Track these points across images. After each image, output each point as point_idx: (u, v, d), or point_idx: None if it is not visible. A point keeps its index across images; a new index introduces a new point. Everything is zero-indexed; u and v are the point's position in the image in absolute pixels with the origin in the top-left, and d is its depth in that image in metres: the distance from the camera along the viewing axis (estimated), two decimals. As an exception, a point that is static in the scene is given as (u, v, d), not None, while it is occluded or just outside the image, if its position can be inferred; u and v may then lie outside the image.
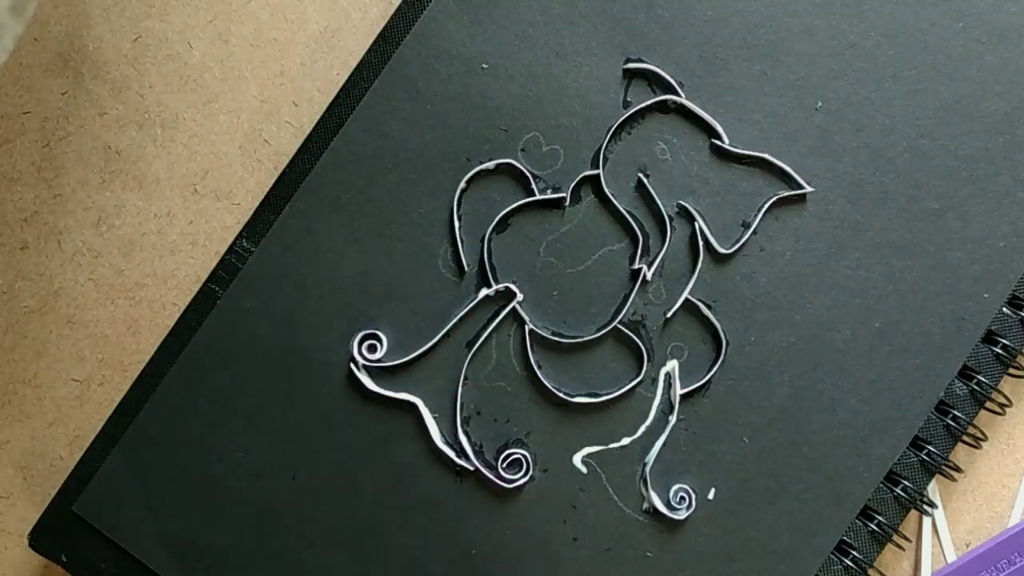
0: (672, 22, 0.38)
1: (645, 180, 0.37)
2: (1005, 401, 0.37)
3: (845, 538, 0.36)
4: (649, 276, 0.37)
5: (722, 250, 0.37)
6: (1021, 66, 0.37)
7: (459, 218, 0.37)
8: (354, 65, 0.38)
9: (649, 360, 0.37)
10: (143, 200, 0.39)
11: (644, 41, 0.38)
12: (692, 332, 0.37)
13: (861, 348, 0.37)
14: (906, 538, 0.37)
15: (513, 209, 0.37)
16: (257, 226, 0.38)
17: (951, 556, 0.38)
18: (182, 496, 0.36)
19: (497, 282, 0.37)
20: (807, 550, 0.36)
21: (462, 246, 0.37)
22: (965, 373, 0.37)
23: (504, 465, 0.36)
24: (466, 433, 0.36)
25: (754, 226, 0.37)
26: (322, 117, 0.38)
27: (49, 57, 0.39)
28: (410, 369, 0.37)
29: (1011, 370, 0.37)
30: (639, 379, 0.37)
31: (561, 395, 0.36)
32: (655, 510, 0.36)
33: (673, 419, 0.36)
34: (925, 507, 0.37)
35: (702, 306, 0.37)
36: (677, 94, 0.37)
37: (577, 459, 0.36)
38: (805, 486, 0.36)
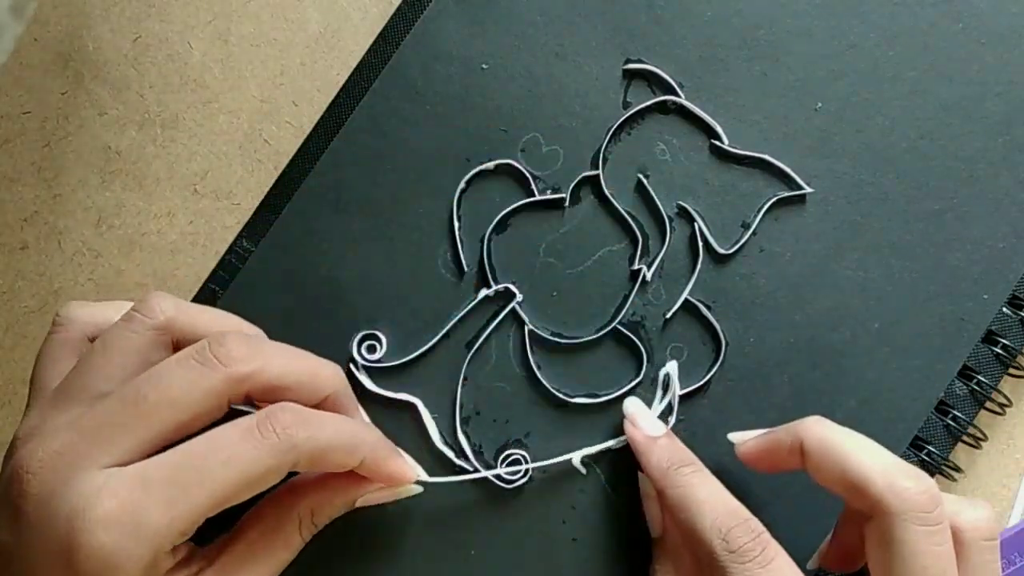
0: (672, 22, 0.38)
1: (645, 181, 0.37)
2: (1005, 401, 0.37)
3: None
4: (649, 276, 0.37)
5: (722, 251, 0.37)
6: (1021, 67, 0.37)
7: (459, 218, 0.37)
8: (354, 65, 0.38)
9: (648, 361, 0.37)
10: (143, 200, 0.39)
11: (644, 41, 0.38)
12: (692, 333, 0.37)
13: (861, 348, 0.37)
14: (906, 538, 0.37)
15: (513, 209, 0.37)
16: (257, 226, 0.38)
17: (951, 556, 0.38)
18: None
19: (497, 282, 0.37)
20: (808, 551, 0.36)
21: (462, 246, 0.37)
22: (965, 373, 0.37)
23: (503, 465, 0.36)
24: (465, 433, 0.36)
25: (754, 227, 0.37)
26: (322, 117, 0.38)
27: (49, 57, 0.39)
28: (409, 369, 0.37)
29: (1011, 370, 0.37)
30: (638, 380, 0.37)
31: (560, 395, 0.36)
32: (655, 510, 0.36)
33: (672, 419, 0.36)
34: (925, 507, 0.37)
35: (702, 307, 0.37)
36: (677, 95, 0.37)
37: (576, 459, 0.36)
38: (805, 487, 0.36)
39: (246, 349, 0.29)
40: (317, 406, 0.31)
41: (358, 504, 0.32)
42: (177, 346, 0.31)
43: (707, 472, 0.33)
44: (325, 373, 0.31)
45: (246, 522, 0.31)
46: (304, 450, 0.28)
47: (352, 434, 0.30)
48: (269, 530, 0.31)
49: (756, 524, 0.31)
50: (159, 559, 0.27)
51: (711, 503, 0.31)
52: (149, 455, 0.28)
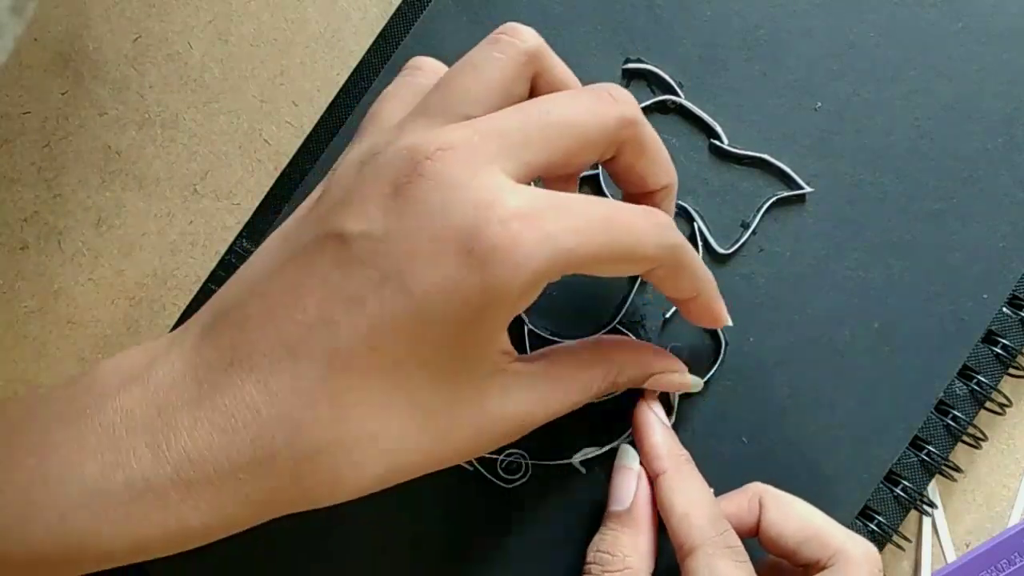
0: (672, 22, 0.38)
1: (645, 180, 0.37)
2: (1005, 401, 0.37)
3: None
4: (648, 276, 0.37)
5: (721, 250, 0.37)
6: (1021, 66, 0.37)
7: (459, 218, 0.37)
8: (354, 65, 0.38)
9: (648, 360, 0.37)
10: (143, 200, 0.39)
11: (644, 41, 0.38)
12: (692, 332, 0.37)
13: (861, 348, 0.37)
14: (906, 538, 0.37)
15: (513, 209, 0.37)
16: (257, 226, 0.38)
17: (951, 556, 0.38)
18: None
19: (497, 282, 0.37)
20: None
21: (462, 246, 0.37)
22: (965, 373, 0.37)
23: (503, 466, 0.36)
24: (465, 433, 0.36)
25: (753, 226, 0.37)
26: (322, 117, 0.38)
27: (49, 57, 0.39)
28: (410, 369, 0.37)
29: (1011, 370, 0.37)
30: (639, 379, 0.37)
31: (561, 395, 0.36)
32: (654, 510, 0.36)
33: (672, 419, 0.36)
34: (925, 507, 0.37)
35: (702, 306, 0.37)
36: (676, 94, 0.37)
37: (576, 459, 0.36)
38: (804, 486, 0.36)
39: (635, 102, 0.29)
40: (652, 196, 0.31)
41: (648, 384, 0.33)
42: (535, 83, 0.30)
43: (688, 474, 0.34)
44: (672, 166, 0.31)
45: (559, 351, 0.31)
46: (676, 254, 0.29)
47: (703, 267, 0.31)
48: (580, 367, 0.31)
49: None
50: (542, 282, 0.26)
51: (705, 500, 0.33)
52: (542, 173, 0.27)
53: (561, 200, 0.26)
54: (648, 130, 0.29)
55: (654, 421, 0.34)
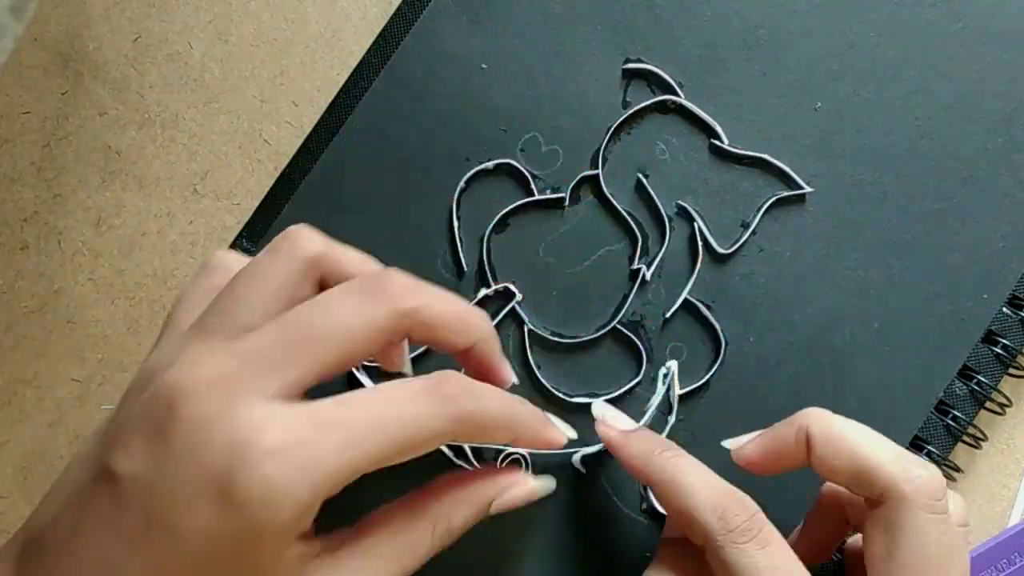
0: (672, 22, 0.38)
1: (644, 180, 0.37)
2: (1005, 401, 0.37)
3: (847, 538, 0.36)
4: (648, 276, 0.37)
5: (721, 250, 0.37)
6: (1021, 66, 0.37)
7: (458, 218, 0.37)
8: (354, 65, 0.38)
9: (648, 360, 0.37)
10: (143, 200, 0.39)
11: (644, 41, 0.38)
12: (691, 332, 0.37)
13: (861, 348, 0.37)
14: (906, 538, 0.37)
15: (512, 209, 0.37)
16: (257, 226, 0.38)
17: (951, 556, 0.38)
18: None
19: (496, 282, 0.37)
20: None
21: (461, 246, 0.37)
22: (965, 373, 0.37)
23: (503, 466, 0.36)
24: (465, 433, 0.36)
25: (753, 226, 0.37)
26: (322, 117, 0.38)
27: (49, 57, 0.39)
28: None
29: (1011, 370, 0.37)
30: (638, 379, 0.37)
31: (560, 395, 0.36)
32: (654, 510, 0.36)
33: (672, 419, 0.36)
34: (925, 507, 0.37)
35: (701, 306, 0.37)
36: (676, 94, 0.37)
37: (576, 459, 0.36)
38: (804, 486, 0.36)
39: (410, 284, 0.28)
40: (465, 352, 0.30)
41: (493, 509, 0.31)
42: (323, 284, 0.29)
43: (690, 456, 0.32)
44: (477, 319, 0.29)
45: (373, 519, 0.29)
46: (471, 421, 0.27)
47: (512, 409, 0.29)
48: (398, 531, 0.29)
49: (751, 503, 0.30)
50: (313, 507, 0.25)
51: (701, 483, 0.30)
52: (310, 387, 0.26)
53: (325, 416, 0.25)
54: (431, 311, 0.28)
55: (614, 439, 0.33)
